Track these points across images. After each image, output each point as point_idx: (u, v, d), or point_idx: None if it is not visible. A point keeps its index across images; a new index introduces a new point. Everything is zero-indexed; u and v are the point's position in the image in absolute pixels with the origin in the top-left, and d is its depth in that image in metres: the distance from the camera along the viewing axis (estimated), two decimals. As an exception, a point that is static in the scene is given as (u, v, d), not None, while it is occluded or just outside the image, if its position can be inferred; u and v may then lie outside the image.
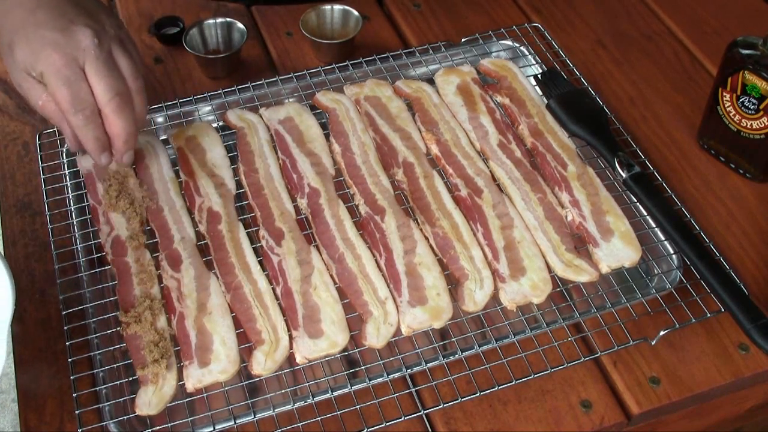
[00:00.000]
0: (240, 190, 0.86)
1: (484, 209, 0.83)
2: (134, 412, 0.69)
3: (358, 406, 0.71)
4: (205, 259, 0.80)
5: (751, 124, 0.88)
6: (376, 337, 0.73)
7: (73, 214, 0.84)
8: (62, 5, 0.76)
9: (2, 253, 0.72)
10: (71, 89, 0.73)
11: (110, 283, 0.78)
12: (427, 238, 0.81)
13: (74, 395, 0.71)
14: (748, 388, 0.80)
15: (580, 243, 0.81)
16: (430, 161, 0.89)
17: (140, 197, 0.84)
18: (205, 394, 0.71)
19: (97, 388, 0.72)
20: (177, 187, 0.85)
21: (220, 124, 0.94)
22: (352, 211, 0.84)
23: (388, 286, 0.77)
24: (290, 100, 0.96)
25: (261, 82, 0.96)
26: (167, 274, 0.78)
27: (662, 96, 1.03)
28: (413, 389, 0.74)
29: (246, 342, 0.74)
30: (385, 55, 1.00)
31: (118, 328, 0.74)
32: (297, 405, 0.71)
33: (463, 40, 1.04)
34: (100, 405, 0.71)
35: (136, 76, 0.77)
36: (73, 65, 0.73)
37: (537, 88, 0.96)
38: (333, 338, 0.73)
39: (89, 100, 0.74)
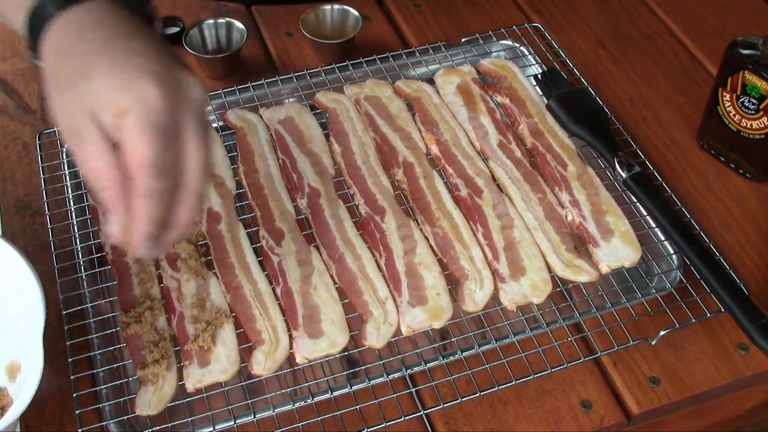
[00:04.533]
0: (240, 190, 0.86)
1: (484, 209, 0.83)
2: (134, 412, 0.69)
3: (358, 406, 0.71)
4: (205, 259, 0.80)
5: (751, 124, 0.88)
6: (376, 337, 0.73)
7: (73, 214, 0.84)
8: (162, 46, 0.58)
9: (30, 264, 0.69)
10: (161, 143, 0.54)
11: (110, 283, 0.78)
12: (427, 238, 0.81)
13: (74, 395, 0.71)
14: (748, 388, 0.80)
15: (580, 243, 0.81)
16: (430, 161, 0.89)
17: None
18: (205, 394, 0.71)
19: (97, 388, 0.72)
20: (177, 187, 0.85)
21: (220, 124, 0.94)
22: (352, 211, 0.84)
23: (388, 286, 0.77)
24: (290, 100, 0.96)
25: (261, 82, 0.96)
26: (167, 274, 0.78)
27: (662, 96, 1.03)
28: (413, 389, 0.74)
29: (246, 342, 0.74)
30: (385, 55, 1.00)
31: (118, 328, 0.74)
32: (297, 405, 0.71)
33: (463, 40, 1.04)
34: (100, 405, 0.71)
35: (210, 162, 0.59)
36: (172, 113, 0.55)
37: (537, 88, 0.96)
38: (333, 338, 0.73)
39: (174, 167, 0.56)
